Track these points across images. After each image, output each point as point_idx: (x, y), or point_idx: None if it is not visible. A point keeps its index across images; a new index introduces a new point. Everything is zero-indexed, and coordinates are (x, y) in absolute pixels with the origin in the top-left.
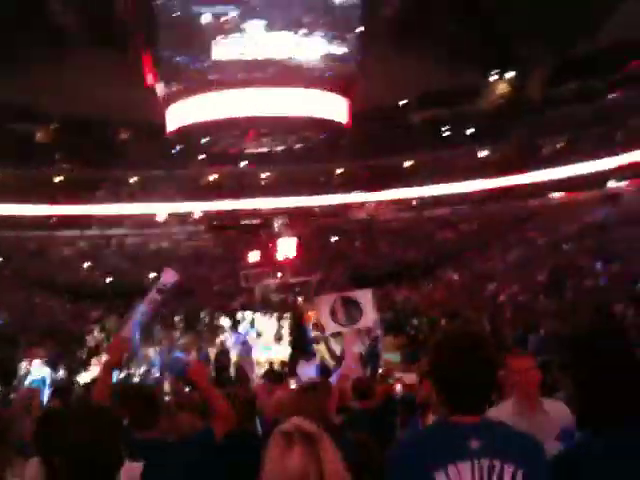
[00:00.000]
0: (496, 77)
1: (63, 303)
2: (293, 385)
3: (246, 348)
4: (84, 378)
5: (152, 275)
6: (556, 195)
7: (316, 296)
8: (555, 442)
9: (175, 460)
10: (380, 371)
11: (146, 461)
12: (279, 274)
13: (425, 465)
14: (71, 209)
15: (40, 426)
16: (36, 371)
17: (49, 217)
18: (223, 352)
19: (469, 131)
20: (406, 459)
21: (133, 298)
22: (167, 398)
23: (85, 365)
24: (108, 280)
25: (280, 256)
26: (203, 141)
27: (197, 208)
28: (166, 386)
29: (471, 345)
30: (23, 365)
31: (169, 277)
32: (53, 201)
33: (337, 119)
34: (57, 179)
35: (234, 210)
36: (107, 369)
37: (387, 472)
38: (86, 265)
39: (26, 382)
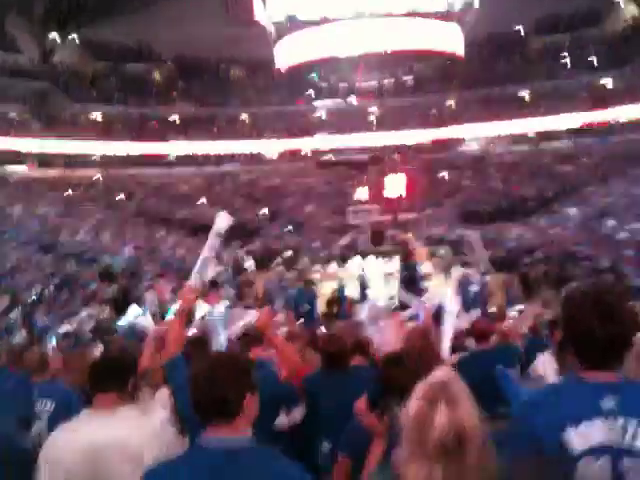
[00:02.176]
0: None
1: (182, 238)
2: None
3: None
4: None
5: (262, 211)
6: None
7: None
8: None
9: None
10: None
11: None
12: (388, 210)
13: (555, 422)
14: (187, 146)
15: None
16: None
17: (166, 155)
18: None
19: (591, 58)
20: (535, 415)
21: (247, 232)
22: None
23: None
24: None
25: (389, 192)
26: (312, 76)
27: (306, 144)
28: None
29: (609, 302)
30: (148, 297)
31: (224, 221)
32: (171, 139)
33: (452, 50)
34: (173, 117)
35: (343, 146)
36: (179, 318)
37: (514, 424)
38: (202, 201)
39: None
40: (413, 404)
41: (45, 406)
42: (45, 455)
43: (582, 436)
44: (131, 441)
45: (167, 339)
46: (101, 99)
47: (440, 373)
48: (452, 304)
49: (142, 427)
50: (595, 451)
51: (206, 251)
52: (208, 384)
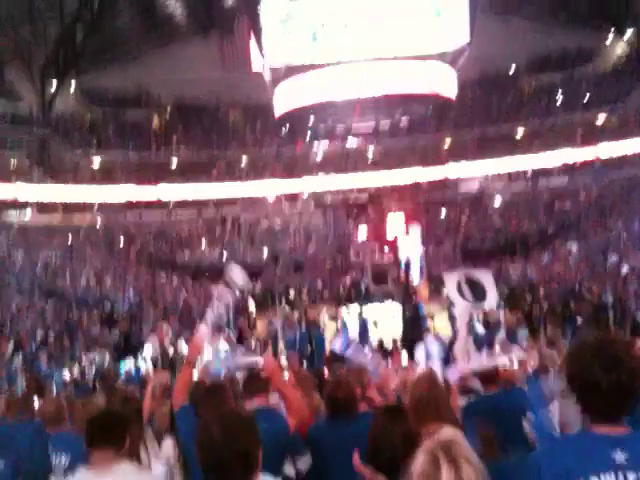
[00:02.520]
0: (613, 37)
1: (184, 281)
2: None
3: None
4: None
5: (265, 252)
6: None
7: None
8: None
9: None
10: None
11: None
12: (388, 249)
13: (567, 475)
14: (187, 190)
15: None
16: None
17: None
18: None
19: (583, 95)
20: (548, 467)
21: (249, 273)
22: None
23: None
24: (225, 257)
25: (389, 232)
26: (310, 120)
27: (306, 186)
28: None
29: (613, 351)
30: (150, 342)
31: (239, 277)
32: (170, 182)
33: (445, 92)
34: (172, 162)
35: (342, 188)
36: (187, 367)
37: (524, 474)
38: (204, 243)
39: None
40: (417, 465)
41: (61, 460)
42: None
43: None
44: None
45: (176, 387)
46: (100, 145)
47: (446, 432)
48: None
49: None
50: None
51: (220, 306)
52: (229, 440)
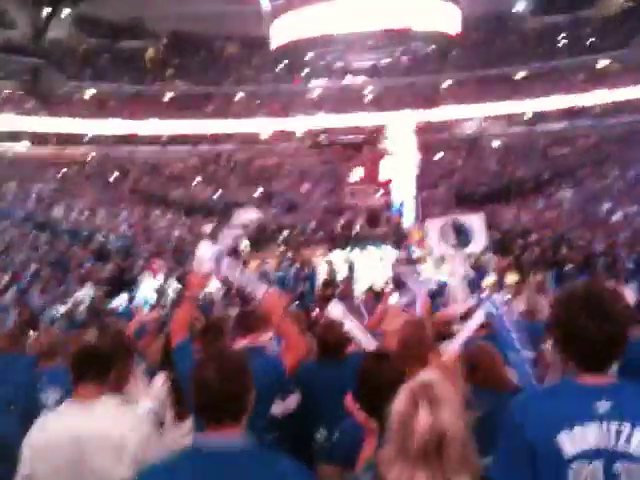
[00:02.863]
0: None
1: (177, 217)
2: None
3: None
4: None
5: (259, 190)
6: None
7: (426, 218)
8: None
9: None
10: None
11: None
12: (382, 191)
13: (550, 424)
14: (182, 125)
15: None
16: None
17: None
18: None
19: (588, 39)
20: (531, 415)
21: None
22: None
23: None
24: (218, 194)
25: (384, 174)
26: (308, 56)
27: (301, 124)
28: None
29: (601, 300)
30: (144, 278)
31: (251, 214)
32: (164, 117)
33: (448, 30)
34: (167, 95)
35: (338, 126)
36: (187, 304)
37: (508, 423)
38: (197, 180)
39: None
40: (397, 405)
41: (54, 394)
42: (29, 444)
43: (576, 439)
44: (112, 432)
45: (175, 322)
46: (94, 76)
47: (426, 374)
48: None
49: (123, 418)
50: (588, 454)
51: (226, 240)
52: (222, 381)
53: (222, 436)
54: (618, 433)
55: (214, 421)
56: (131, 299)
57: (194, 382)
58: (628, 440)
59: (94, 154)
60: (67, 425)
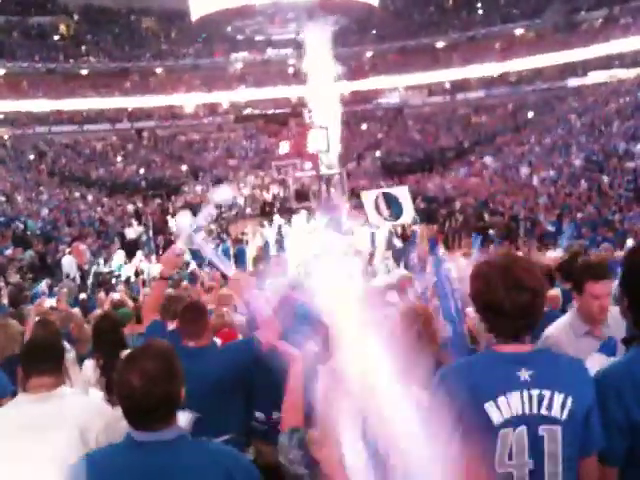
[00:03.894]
0: None
1: (99, 197)
2: None
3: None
4: (127, 271)
5: (184, 168)
6: (594, 74)
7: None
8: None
9: (215, 366)
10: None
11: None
12: (310, 164)
13: (475, 395)
14: (99, 102)
15: (97, 330)
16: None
17: (79, 112)
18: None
19: (504, 8)
20: (456, 387)
21: (167, 190)
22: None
23: (128, 258)
24: (141, 173)
25: (311, 147)
26: (229, 28)
27: (225, 98)
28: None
29: (516, 271)
30: (67, 260)
31: (226, 194)
32: (81, 95)
33: (368, 1)
34: (82, 72)
35: (262, 99)
36: (160, 283)
37: (434, 397)
38: (119, 159)
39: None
40: (321, 383)
41: None
42: None
43: (501, 408)
44: (77, 421)
45: (147, 303)
46: (5, 54)
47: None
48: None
49: (86, 405)
50: (513, 421)
51: (200, 219)
52: (143, 389)
53: (154, 433)
54: (540, 399)
55: (142, 426)
56: (51, 285)
57: (116, 387)
58: (549, 406)
59: (8, 136)
60: (26, 417)
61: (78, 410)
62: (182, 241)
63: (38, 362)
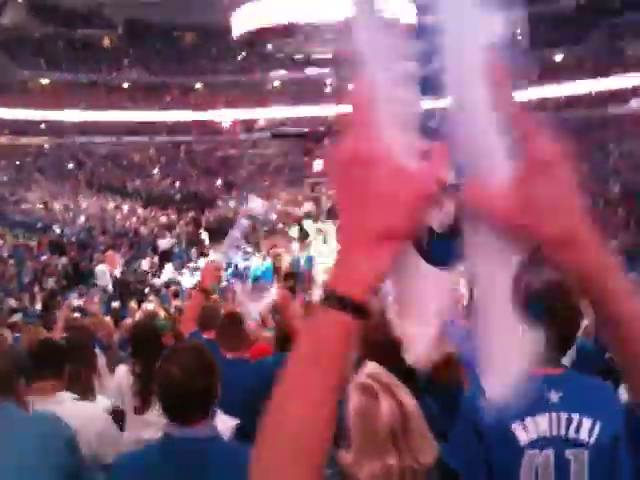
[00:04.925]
0: None
1: (134, 208)
2: None
3: None
4: (157, 282)
5: (218, 182)
6: (635, 102)
7: None
8: None
9: (252, 378)
10: None
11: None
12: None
13: (502, 415)
14: (139, 115)
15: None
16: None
17: (119, 123)
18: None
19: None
20: (481, 408)
21: (201, 204)
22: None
23: (159, 269)
24: (177, 186)
25: None
26: (269, 46)
27: (261, 115)
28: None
29: (554, 297)
30: (100, 269)
31: (259, 207)
32: (121, 107)
33: (406, 19)
34: (124, 85)
35: (298, 117)
36: (199, 294)
37: (460, 418)
38: (155, 171)
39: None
40: (354, 403)
41: None
42: None
43: (529, 429)
44: (67, 428)
45: (185, 314)
46: (49, 65)
47: (371, 365)
48: None
49: (79, 412)
50: (541, 442)
51: (236, 232)
52: (182, 381)
53: (190, 428)
54: (568, 422)
55: (179, 419)
56: (83, 293)
57: (157, 380)
58: (577, 429)
59: (49, 145)
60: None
61: (72, 418)
62: (226, 246)
63: (39, 367)
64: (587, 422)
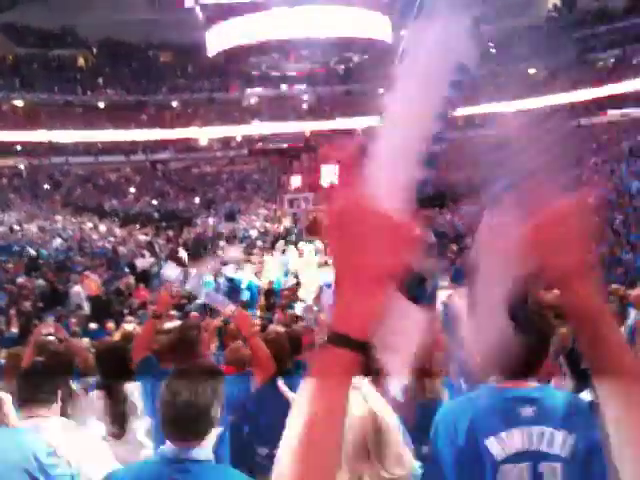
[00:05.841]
0: None
1: (112, 228)
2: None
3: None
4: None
5: (197, 200)
6: (608, 113)
7: None
8: None
9: None
10: None
11: None
12: (322, 199)
13: (475, 431)
14: (115, 134)
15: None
16: None
17: (95, 143)
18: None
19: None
20: (455, 424)
21: (180, 222)
22: None
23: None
24: (154, 204)
25: (324, 181)
26: (245, 64)
27: (238, 132)
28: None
29: (524, 312)
30: (75, 290)
31: (174, 274)
32: (98, 127)
33: (381, 38)
34: (99, 104)
35: (275, 133)
36: (151, 322)
37: (434, 435)
38: (132, 190)
39: None
40: None
41: None
42: None
43: (503, 443)
44: (60, 452)
45: (139, 339)
46: (24, 86)
47: None
48: None
49: (72, 440)
50: (515, 457)
51: (204, 269)
52: (184, 400)
53: (186, 448)
54: (541, 436)
55: (178, 437)
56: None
57: (161, 398)
58: (550, 443)
59: (24, 165)
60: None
61: (64, 443)
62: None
63: (30, 390)
64: (560, 435)
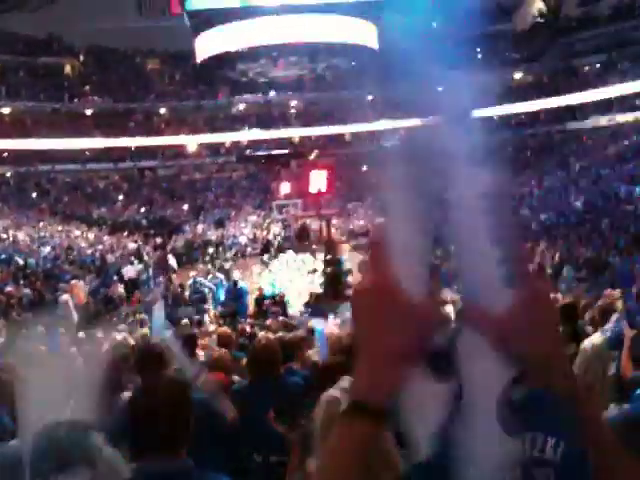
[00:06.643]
0: None
1: (100, 236)
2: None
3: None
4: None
5: (185, 207)
6: (593, 118)
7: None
8: None
9: None
10: None
11: None
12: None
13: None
14: (103, 141)
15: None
16: None
17: (82, 151)
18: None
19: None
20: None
21: (168, 229)
22: None
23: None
24: (143, 211)
25: (312, 188)
26: (232, 71)
27: (227, 138)
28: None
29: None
30: (63, 299)
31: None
32: (85, 134)
33: (368, 44)
34: (87, 112)
35: (264, 140)
36: None
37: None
38: (121, 197)
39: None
40: (320, 412)
41: None
42: None
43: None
44: None
45: None
46: (11, 94)
47: (345, 380)
48: None
49: None
50: (507, 464)
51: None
52: (152, 421)
53: (160, 462)
54: (533, 443)
55: (153, 449)
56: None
57: (131, 412)
58: (542, 449)
59: (11, 173)
60: None
61: None
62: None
63: None
64: (551, 440)
